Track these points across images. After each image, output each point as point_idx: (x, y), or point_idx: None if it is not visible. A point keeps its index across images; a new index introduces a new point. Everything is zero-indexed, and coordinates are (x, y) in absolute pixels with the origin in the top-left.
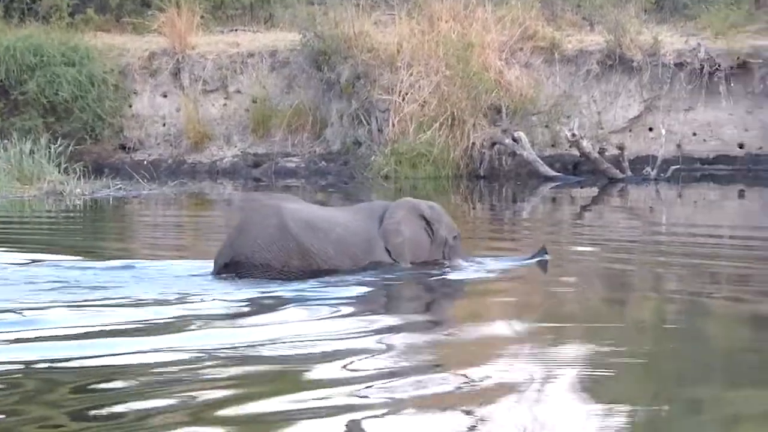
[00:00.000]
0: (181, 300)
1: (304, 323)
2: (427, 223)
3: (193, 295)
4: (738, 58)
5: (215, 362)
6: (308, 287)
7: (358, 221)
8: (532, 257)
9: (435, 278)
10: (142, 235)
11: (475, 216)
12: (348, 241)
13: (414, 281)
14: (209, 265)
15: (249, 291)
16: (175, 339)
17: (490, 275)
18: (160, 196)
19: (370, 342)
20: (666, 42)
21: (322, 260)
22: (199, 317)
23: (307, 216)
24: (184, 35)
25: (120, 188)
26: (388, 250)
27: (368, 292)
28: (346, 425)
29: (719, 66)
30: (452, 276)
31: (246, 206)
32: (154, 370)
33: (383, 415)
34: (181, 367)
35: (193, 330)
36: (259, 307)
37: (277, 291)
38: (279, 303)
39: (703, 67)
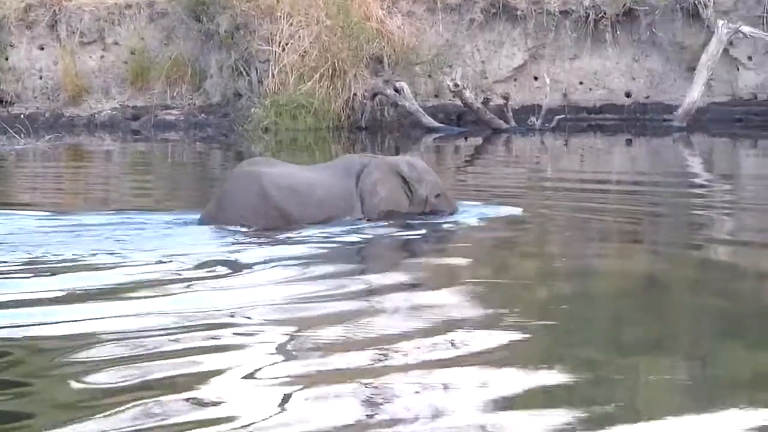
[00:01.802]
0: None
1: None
2: (405, 182)
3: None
4: (624, 5)
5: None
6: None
7: (337, 181)
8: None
9: (403, 238)
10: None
11: None
12: (329, 203)
13: (378, 242)
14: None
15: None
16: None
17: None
18: (36, 150)
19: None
20: None
21: (305, 224)
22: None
23: (288, 181)
24: None
25: None
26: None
27: (329, 252)
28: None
29: (605, 13)
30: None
31: (227, 175)
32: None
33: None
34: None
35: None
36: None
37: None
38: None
39: (588, 15)
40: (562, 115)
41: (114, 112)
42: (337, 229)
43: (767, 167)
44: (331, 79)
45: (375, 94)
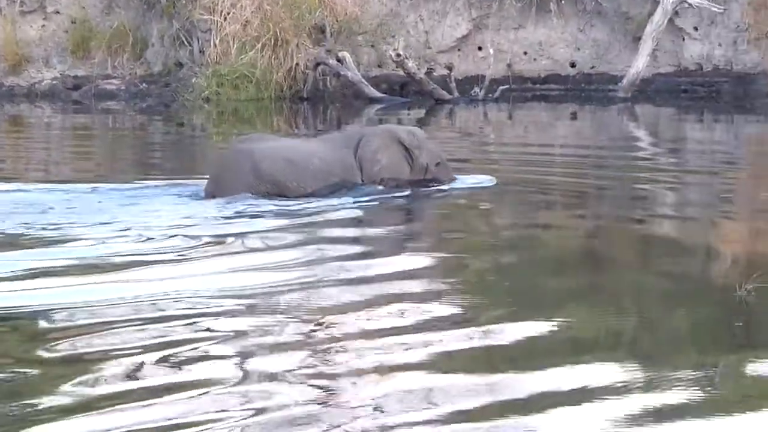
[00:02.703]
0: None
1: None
2: (406, 149)
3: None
4: None
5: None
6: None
7: (335, 151)
8: None
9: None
10: None
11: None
12: (326, 172)
13: (382, 210)
14: None
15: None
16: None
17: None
18: None
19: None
20: None
21: (302, 194)
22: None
23: (282, 152)
24: None
25: None
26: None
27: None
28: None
29: None
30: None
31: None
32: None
33: None
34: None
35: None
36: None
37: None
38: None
39: None
40: (506, 86)
41: (55, 82)
42: (325, 202)
43: (711, 138)
44: (273, 49)
45: (317, 64)
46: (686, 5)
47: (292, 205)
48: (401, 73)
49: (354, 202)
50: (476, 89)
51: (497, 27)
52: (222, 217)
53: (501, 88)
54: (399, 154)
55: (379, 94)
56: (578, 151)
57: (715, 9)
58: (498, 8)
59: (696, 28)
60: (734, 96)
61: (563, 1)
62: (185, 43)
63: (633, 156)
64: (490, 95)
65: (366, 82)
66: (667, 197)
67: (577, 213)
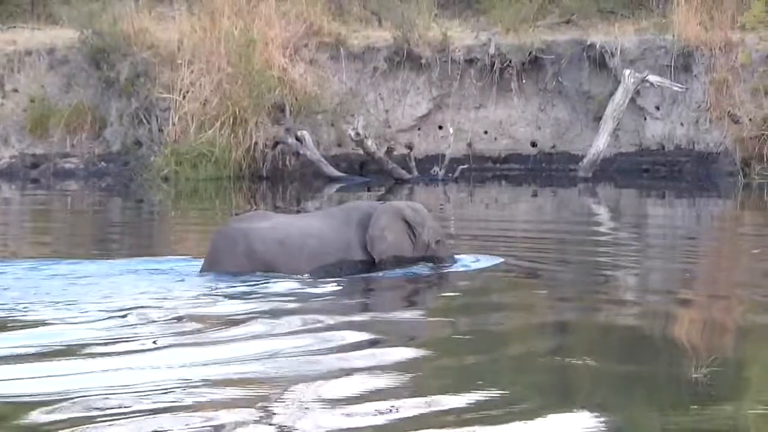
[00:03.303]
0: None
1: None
2: (410, 227)
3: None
4: (530, 53)
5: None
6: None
7: (333, 229)
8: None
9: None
10: None
11: None
12: (322, 253)
13: (382, 288)
14: None
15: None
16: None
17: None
18: None
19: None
20: (456, 37)
21: (296, 275)
22: None
23: (277, 234)
24: None
25: None
26: (371, 256)
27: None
28: None
29: (510, 62)
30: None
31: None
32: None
33: None
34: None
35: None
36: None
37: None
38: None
39: (494, 63)
40: (466, 165)
41: (13, 160)
42: (317, 287)
43: (673, 219)
44: (232, 128)
45: (276, 143)
46: (648, 84)
47: (279, 286)
48: (361, 152)
49: (347, 284)
50: (436, 168)
51: (458, 106)
52: (207, 296)
53: (461, 167)
54: (403, 231)
55: (338, 173)
56: (539, 226)
57: (677, 88)
58: (459, 87)
59: (657, 108)
60: (696, 175)
61: (524, 81)
62: (144, 121)
63: (593, 235)
64: (450, 174)
65: (325, 161)
66: (628, 280)
67: (537, 295)
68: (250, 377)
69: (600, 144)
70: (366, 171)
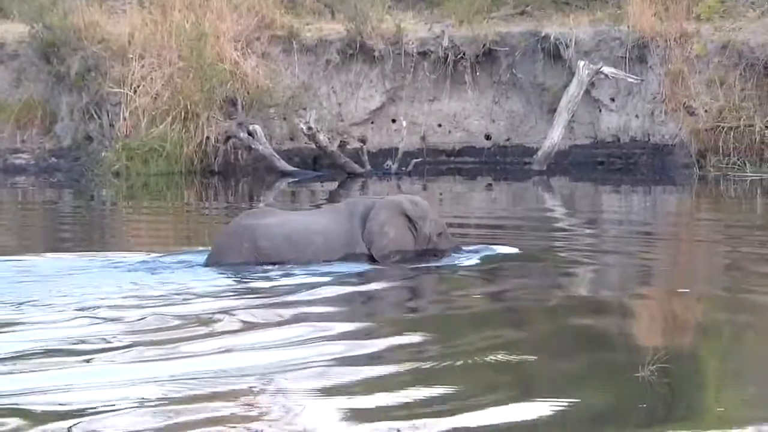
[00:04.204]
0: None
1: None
2: (410, 220)
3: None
4: (484, 45)
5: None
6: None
7: (339, 225)
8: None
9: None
10: None
11: (210, 215)
12: (328, 249)
13: (386, 282)
14: None
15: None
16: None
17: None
18: None
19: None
20: (409, 30)
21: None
22: None
23: (283, 230)
24: None
25: None
26: (371, 252)
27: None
28: None
29: (464, 54)
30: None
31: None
32: None
33: None
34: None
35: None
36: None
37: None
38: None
39: (447, 56)
40: (419, 159)
41: None
42: (325, 278)
43: (628, 212)
44: (184, 122)
45: (228, 138)
46: (602, 76)
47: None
48: (314, 146)
49: (351, 277)
50: (389, 162)
51: (411, 99)
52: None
53: (414, 160)
54: (404, 226)
55: (291, 168)
56: (493, 220)
57: (632, 80)
58: (412, 80)
59: (613, 99)
60: (652, 168)
61: (478, 73)
62: (95, 116)
63: (548, 229)
64: (404, 168)
65: (277, 156)
66: (582, 274)
67: (488, 291)
68: (244, 371)
69: (555, 136)
70: (319, 165)
